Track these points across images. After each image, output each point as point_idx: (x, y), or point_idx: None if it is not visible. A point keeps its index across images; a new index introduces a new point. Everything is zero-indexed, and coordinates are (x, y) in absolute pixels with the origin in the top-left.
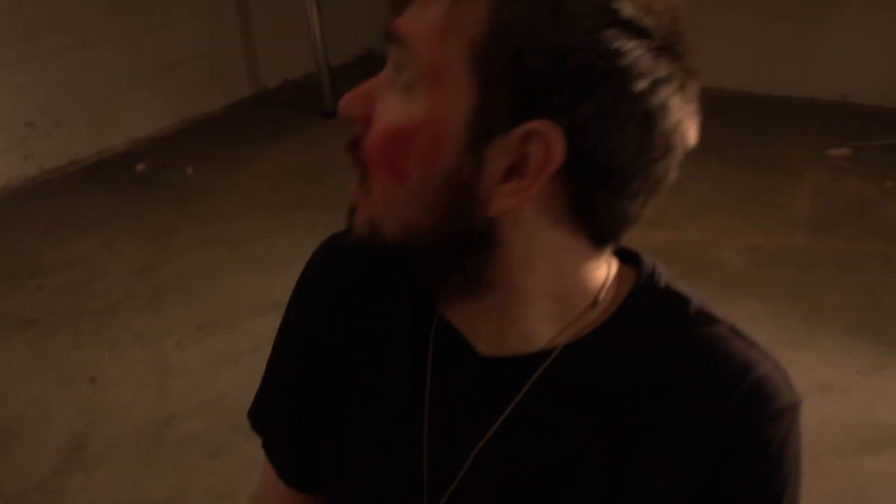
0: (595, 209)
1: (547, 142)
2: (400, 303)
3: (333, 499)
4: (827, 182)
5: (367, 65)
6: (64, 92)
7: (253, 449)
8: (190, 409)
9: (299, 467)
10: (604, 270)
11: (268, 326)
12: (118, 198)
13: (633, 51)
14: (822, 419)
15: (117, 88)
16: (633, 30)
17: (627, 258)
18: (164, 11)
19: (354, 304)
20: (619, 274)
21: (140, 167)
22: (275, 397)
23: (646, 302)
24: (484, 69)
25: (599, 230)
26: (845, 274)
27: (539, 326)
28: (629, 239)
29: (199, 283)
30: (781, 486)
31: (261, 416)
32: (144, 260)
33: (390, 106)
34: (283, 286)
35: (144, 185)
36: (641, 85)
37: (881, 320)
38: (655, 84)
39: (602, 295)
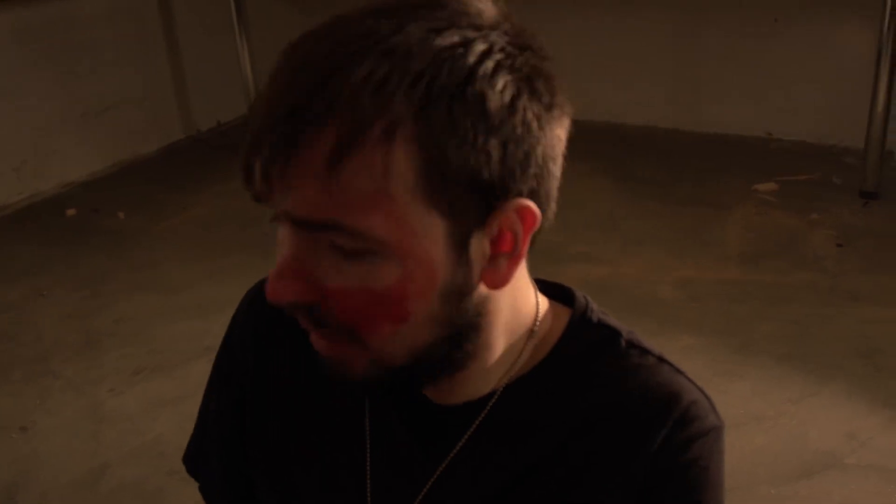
0: (536, 236)
1: (521, 215)
2: None
3: None
4: (755, 216)
5: None
6: None
7: (190, 492)
8: (125, 455)
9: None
10: (532, 295)
11: (203, 370)
12: (49, 244)
13: (543, 118)
14: (756, 448)
15: (49, 133)
16: (529, 78)
17: (558, 294)
18: (94, 57)
19: (284, 351)
20: (553, 309)
21: (71, 212)
22: (209, 442)
23: (580, 337)
24: (441, 199)
25: (529, 250)
26: (775, 305)
27: (495, 370)
28: (567, 275)
29: (132, 329)
30: (707, 501)
31: (196, 460)
32: (76, 307)
33: (350, 271)
34: (217, 331)
35: (76, 231)
36: (554, 139)
37: (810, 349)
38: (560, 132)
39: (540, 326)
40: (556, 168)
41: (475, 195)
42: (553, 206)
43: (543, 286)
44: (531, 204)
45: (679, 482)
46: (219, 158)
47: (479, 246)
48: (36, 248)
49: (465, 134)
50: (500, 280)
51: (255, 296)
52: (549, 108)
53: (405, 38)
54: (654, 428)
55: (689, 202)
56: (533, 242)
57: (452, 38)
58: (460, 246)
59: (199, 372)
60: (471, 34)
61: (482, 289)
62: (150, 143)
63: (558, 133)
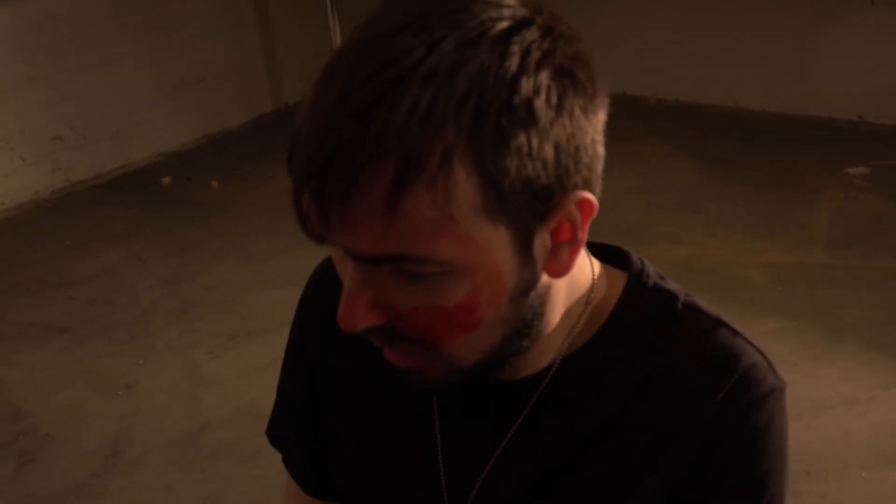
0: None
1: (583, 205)
2: None
3: None
4: (845, 200)
5: None
6: (90, 107)
7: None
8: (223, 417)
9: (318, 479)
10: (586, 261)
11: None
12: (144, 211)
13: (588, 109)
14: (847, 432)
15: (141, 104)
16: (570, 69)
17: (614, 257)
18: (188, 29)
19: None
20: (608, 273)
21: (165, 180)
22: (287, 416)
23: (636, 303)
24: (503, 212)
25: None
26: (864, 291)
27: (554, 343)
28: (652, 254)
29: (226, 296)
30: (768, 469)
31: (278, 432)
32: (172, 273)
33: (422, 293)
34: None
35: (170, 199)
36: (598, 125)
37: None
38: (602, 115)
39: (596, 292)
40: (602, 147)
41: (535, 199)
42: (601, 185)
43: (598, 249)
44: (588, 195)
45: (739, 447)
46: None
47: (542, 242)
48: (132, 215)
49: (519, 146)
50: (562, 269)
51: (322, 276)
52: (593, 96)
53: (442, 58)
54: (712, 392)
55: (776, 185)
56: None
57: (488, 47)
58: (525, 248)
59: None
60: (504, 38)
61: (544, 278)
62: (239, 115)
63: (601, 116)
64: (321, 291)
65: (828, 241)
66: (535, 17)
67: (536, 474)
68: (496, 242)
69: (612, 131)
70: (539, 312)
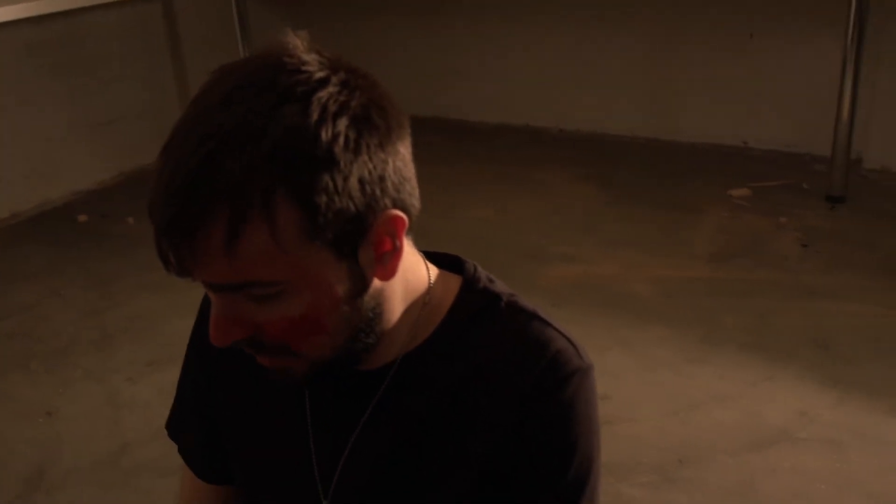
0: (412, 221)
1: (393, 223)
2: None
3: (245, 492)
4: (727, 219)
5: None
6: (4, 146)
7: None
8: (144, 437)
9: (212, 466)
10: (422, 265)
11: None
12: (61, 248)
13: (386, 144)
14: (717, 423)
15: (57, 143)
16: (365, 115)
17: (449, 263)
18: (103, 70)
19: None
20: (444, 278)
21: (82, 218)
22: (184, 411)
23: (468, 303)
24: (323, 237)
25: (410, 230)
26: (739, 299)
27: (398, 336)
28: (549, 274)
29: (145, 326)
30: (575, 437)
31: (176, 427)
32: (91, 306)
33: (272, 309)
34: None
35: (87, 235)
36: (400, 153)
37: (769, 338)
38: (401, 147)
39: (433, 295)
40: (409, 169)
41: (351, 224)
42: (417, 195)
43: (434, 257)
44: (397, 212)
45: (549, 419)
46: None
47: (366, 254)
48: (50, 252)
49: (325, 186)
50: (388, 273)
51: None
52: (388, 131)
53: (253, 123)
54: (526, 373)
55: (666, 206)
56: (410, 227)
57: (291, 108)
58: (350, 262)
59: None
60: (305, 98)
61: (376, 283)
62: (152, 154)
63: (403, 146)
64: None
65: (710, 256)
66: (332, 76)
67: (387, 451)
68: (323, 261)
69: (517, 159)
70: (378, 312)
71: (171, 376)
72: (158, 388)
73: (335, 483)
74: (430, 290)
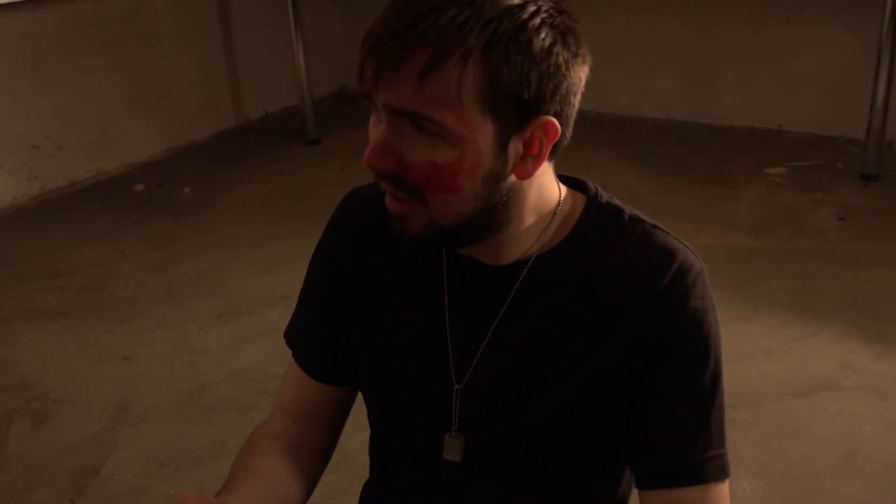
0: (560, 146)
1: (548, 127)
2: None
3: (368, 389)
4: (765, 195)
5: (340, 99)
6: (66, 117)
7: None
8: (219, 379)
9: (327, 365)
10: (555, 186)
11: (280, 314)
12: (122, 213)
13: (570, 62)
14: (765, 374)
15: (114, 116)
16: (564, 34)
17: (577, 185)
18: (157, 46)
19: (376, 237)
20: (572, 195)
21: (139, 187)
22: (308, 313)
23: (596, 214)
24: (494, 109)
25: (556, 156)
26: (780, 266)
27: (527, 238)
28: None
29: (210, 282)
30: (708, 329)
31: (294, 332)
32: (155, 264)
33: (425, 149)
34: (288, 282)
35: (145, 203)
36: (576, 79)
37: (811, 300)
38: (581, 75)
39: (562, 207)
40: (576, 100)
41: (518, 110)
42: (570, 129)
43: (565, 179)
44: (555, 120)
45: (687, 316)
46: (267, 144)
47: (515, 146)
48: (111, 217)
49: (514, 65)
50: (526, 174)
51: (351, 203)
52: (576, 56)
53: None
54: (659, 275)
55: (705, 183)
56: (556, 151)
57: (513, 1)
58: (502, 145)
59: (278, 315)
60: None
61: (512, 178)
62: (203, 128)
63: (580, 75)
64: (349, 216)
65: (749, 227)
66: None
67: (524, 343)
68: (483, 130)
69: None
70: (505, 202)
71: (238, 328)
72: (228, 339)
73: (471, 372)
74: (560, 204)
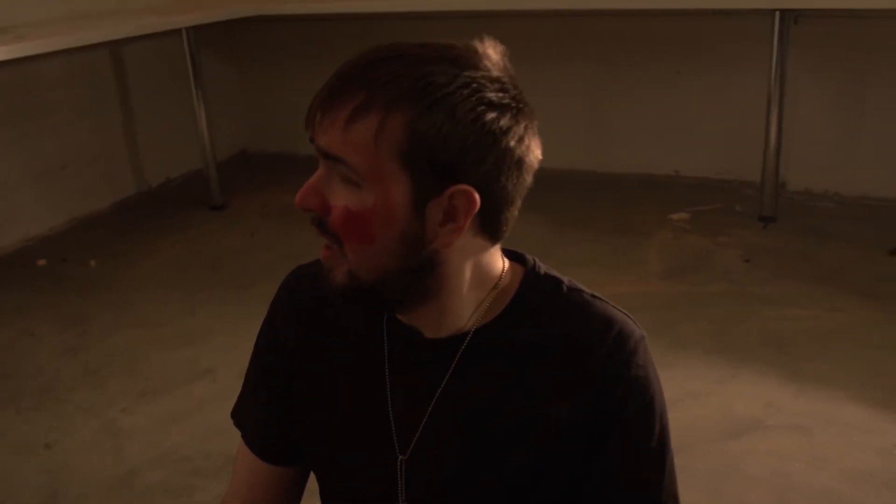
0: (497, 222)
1: (467, 196)
2: (353, 312)
3: (316, 466)
4: (671, 241)
5: (242, 162)
6: None
7: (217, 485)
8: (149, 461)
9: (277, 447)
10: (500, 262)
11: (205, 389)
12: (25, 291)
13: (503, 122)
14: (694, 418)
15: (9, 189)
16: (499, 108)
17: (514, 257)
18: (53, 115)
19: (318, 315)
20: (511, 267)
21: (41, 262)
22: (256, 394)
23: (535, 285)
24: (411, 165)
25: (497, 234)
26: (695, 310)
27: (465, 311)
28: None
29: (127, 360)
30: (651, 396)
31: (242, 413)
32: (68, 343)
33: (345, 196)
34: (209, 356)
35: (50, 279)
36: (513, 141)
37: (729, 342)
38: (520, 138)
39: (502, 281)
40: (515, 177)
41: (434, 172)
42: (508, 205)
43: (505, 252)
44: (473, 191)
45: (629, 385)
46: (171, 211)
47: (434, 211)
48: (14, 295)
49: (435, 125)
50: (445, 242)
51: (294, 281)
52: (510, 131)
53: (423, 57)
54: (599, 344)
55: (612, 231)
56: (495, 229)
57: (455, 68)
58: (418, 205)
59: (203, 389)
60: (469, 69)
61: (444, 253)
62: (104, 198)
63: (519, 152)
64: (293, 297)
65: (660, 273)
66: (503, 77)
67: (465, 415)
68: (399, 184)
69: None
70: (430, 269)
71: (165, 405)
72: (155, 417)
73: (414, 445)
74: (502, 276)
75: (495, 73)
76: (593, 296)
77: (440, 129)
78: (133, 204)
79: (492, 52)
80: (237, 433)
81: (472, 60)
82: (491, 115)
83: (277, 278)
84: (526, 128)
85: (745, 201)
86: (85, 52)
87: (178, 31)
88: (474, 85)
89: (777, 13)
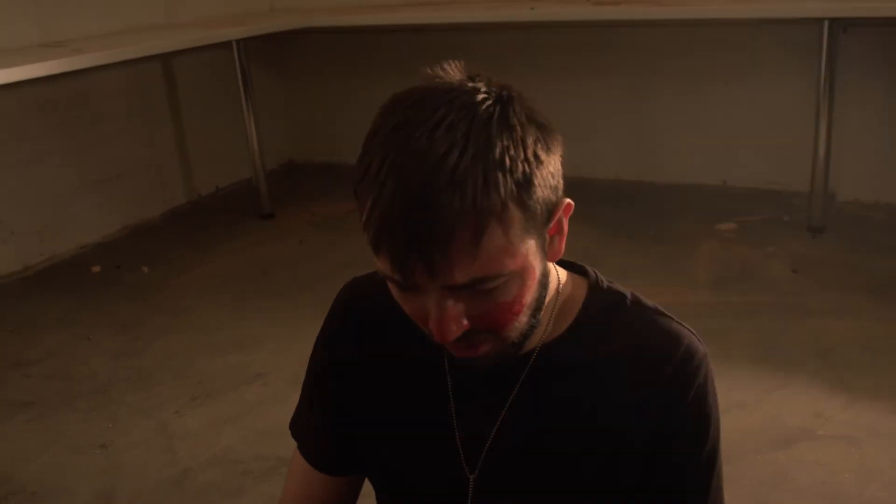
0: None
1: (567, 208)
2: (413, 325)
3: (377, 482)
4: (719, 251)
5: (289, 172)
6: (17, 202)
7: (268, 487)
8: (201, 463)
9: (332, 458)
10: (555, 273)
11: (256, 393)
12: (80, 296)
13: (541, 132)
14: (742, 427)
15: (65, 197)
16: (538, 124)
17: (574, 269)
18: (107, 126)
19: (377, 326)
20: (572, 279)
21: (95, 269)
22: (312, 407)
23: (599, 299)
24: (532, 229)
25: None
26: (743, 320)
27: (537, 329)
28: None
29: (180, 365)
30: (709, 413)
31: (299, 425)
32: (121, 347)
33: (498, 296)
34: (260, 360)
35: (103, 285)
36: (552, 144)
37: (776, 352)
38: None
39: (562, 293)
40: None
41: (547, 213)
42: None
43: (563, 263)
44: (569, 200)
45: (693, 398)
46: (221, 220)
47: (547, 237)
48: (69, 301)
49: (539, 181)
50: (556, 254)
51: (350, 293)
52: (551, 132)
53: (476, 144)
54: (665, 362)
55: (659, 241)
56: None
57: (493, 123)
58: (543, 247)
59: (253, 394)
60: (502, 115)
61: (552, 259)
62: (155, 207)
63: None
64: (349, 306)
65: (709, 283)
66: (501, 93)
67: (532, 432)
68: (532, 249)
69: None
70: (545, 294)
71: (215, 410)
72: (207, 420)
73: (482, 463)
74: (561, 289)
75: (511, 95)
76: (657, 311)
77: (530, 177)
78: (184, 212)
79: (456, 70)
80: (287, 436)
81: (478, 97)
82: (546, 133)
83: (326, 286)
84: (544, 129)
85: (793, 211)
86: (137, 64)
87: (228, 44)
88: (521, 119)
89: (826, 22)
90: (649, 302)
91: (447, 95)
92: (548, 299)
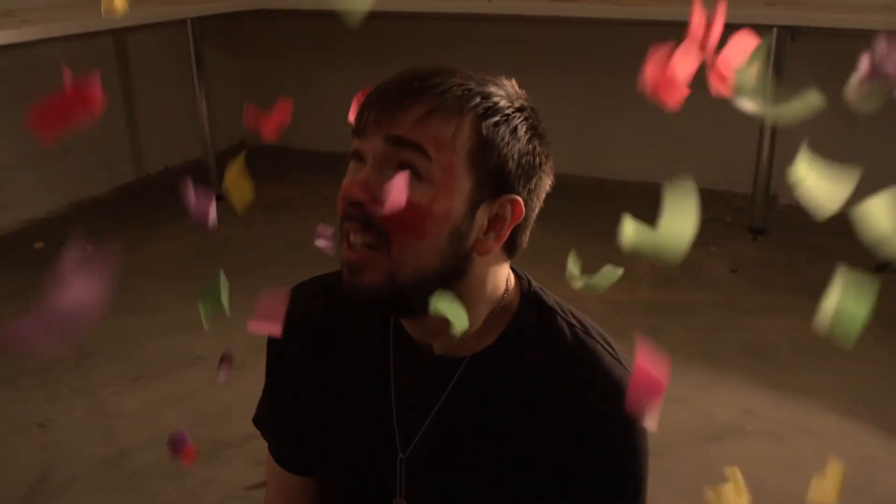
0: (518, 240)
1: (516, 207)
2: (358, 324)
3: (320, 470)
4: None
5: (240, 154)
6: None
7: (206, 470)
8: (139, 444)
9: (298, 457)
10: (505, 280)
11: (198, 376)
12: (23, 273)
13: (545, 151)
14: (675, 422)
15: (9, 172)
16: (542, 139)
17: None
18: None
19: (323, 328)
20: (515, 284)
21: (38, 245)
22: (270, 407)
23: (530, 313)
24: (477, 167)
25: (514, 252)
26: (682, 317)
27: (475, 324)
28: None
29: (123, 346)
30: (638, 436)
31: (263, 422)
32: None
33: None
34: (203, 343)
35: (46, 261)
36: (546, 169)
37: (713, 349)
38: (550, 169)
39: (506, 298)
40: (538, 203)
41: (497, 179)
42: (528, 231)
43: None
44: (521, 202)
45: (616, 435)
46: (169, 199)
47: (483, 216)
48: (12, 277)
49: (503, 140)
50: (485, 248)
51: (295, 297)
52: (547, 161)
53: (479, 78)
54: (590, 391)
55: (604, 237)
56: (513, 247)
57: (508, 89)
58: (472, 207)
59: (196, 377)
60: (524, 103)
61: (476, 250)
62: (102, 184)
63: (546, 182)
64: (294, 309)
65: (650, 281)
66: (534, 109)
67: (459, 431)
68: (462, 184)
69: None
70: (461, 274)
71: (158, 390)
72: (146, 401)
73: (415, 443)
74: (504, 297)
75: (531, 106)
76: (585, 329)
77: (506, 141)
78: (132, 190)
79: (513, 87)
80: (227, 419)
81: (515, 92)
82: (537, 143)
83: (272, 269)
84: (549, 159)
85: (735, 213)
86: (89, 38)
87: (182, 21)
88: (526, 113)
89: (775, 29)
90: (576, 316)
91: (464, 73)
92: (493, 305)
